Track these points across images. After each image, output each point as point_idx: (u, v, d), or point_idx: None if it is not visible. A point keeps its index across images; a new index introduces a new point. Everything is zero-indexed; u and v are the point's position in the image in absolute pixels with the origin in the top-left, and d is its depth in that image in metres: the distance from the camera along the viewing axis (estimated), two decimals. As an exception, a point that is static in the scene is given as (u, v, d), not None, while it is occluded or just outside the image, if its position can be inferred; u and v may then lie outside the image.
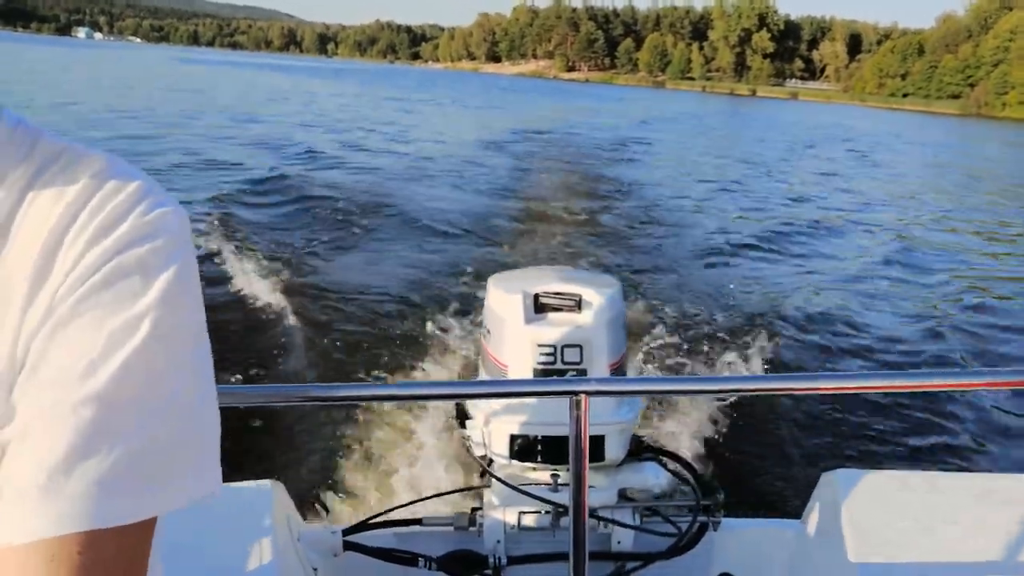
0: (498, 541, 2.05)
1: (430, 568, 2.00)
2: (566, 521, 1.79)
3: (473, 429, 2.15)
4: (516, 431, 2.02)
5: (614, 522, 2.05)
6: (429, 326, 6.44)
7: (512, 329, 2.05)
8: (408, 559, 2.01)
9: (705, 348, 6.40)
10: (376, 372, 5.19)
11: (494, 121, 34.00)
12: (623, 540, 2.08)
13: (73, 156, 0.64)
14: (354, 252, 9.05)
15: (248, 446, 4.22)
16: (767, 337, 6.75)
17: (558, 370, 2.01)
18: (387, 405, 4.52)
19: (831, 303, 8.34)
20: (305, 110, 31.79)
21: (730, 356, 6.32)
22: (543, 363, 2.01)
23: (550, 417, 1.97)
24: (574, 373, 2.01)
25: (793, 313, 7.68)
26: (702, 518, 2.07)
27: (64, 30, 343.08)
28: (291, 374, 5.44)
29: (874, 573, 1.65)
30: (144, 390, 0.58)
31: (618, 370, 2.07)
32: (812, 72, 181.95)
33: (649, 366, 5.84)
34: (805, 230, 13.08)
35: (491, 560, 2.02)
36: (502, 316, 2.09)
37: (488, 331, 2.15)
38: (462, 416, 2.20)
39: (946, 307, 8.81)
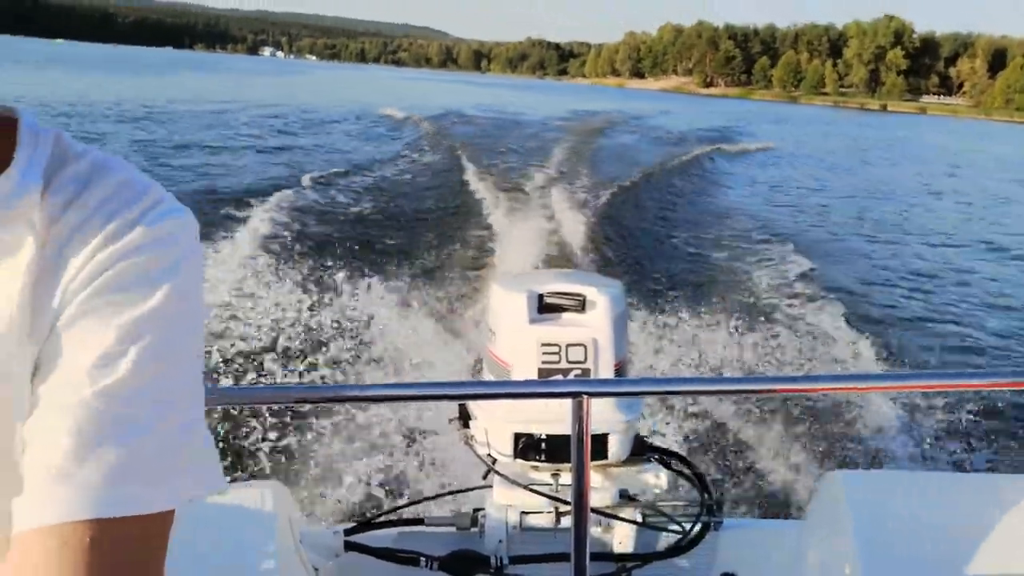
0: (500, 541, 2.06)
1: (432, 568, 1.99)
2: (568, 521, 1.81)
3: (476, 428, 2.17)
4: (519, 430, 2.04)
5: (616, 517, 2.07)
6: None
7: (516, 328, 2.08)
8: (410, 559, 2.00)
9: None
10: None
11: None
12: (625, 540, 2.09)
13: (92, 161, 0.66)
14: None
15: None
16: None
17: (562, 369, 2.03)
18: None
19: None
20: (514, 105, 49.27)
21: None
22: (547, 362, 2.03)
23: (553, 416, 1.96)
24: (578, 372, 2.03)
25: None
26: (704, 518, 2.07)
27: (252, 50, 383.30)
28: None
29: (876, 573, 1.64)
30: (154, 385, 0.60)
31: (621, 370, 2.10)
32: (948, 88, 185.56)
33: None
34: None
35: (493, 560, 2.01)
36: (506, 316, 2.12)
37: (492, 331, 2.18)
38: (465, 416, 2.25)
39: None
